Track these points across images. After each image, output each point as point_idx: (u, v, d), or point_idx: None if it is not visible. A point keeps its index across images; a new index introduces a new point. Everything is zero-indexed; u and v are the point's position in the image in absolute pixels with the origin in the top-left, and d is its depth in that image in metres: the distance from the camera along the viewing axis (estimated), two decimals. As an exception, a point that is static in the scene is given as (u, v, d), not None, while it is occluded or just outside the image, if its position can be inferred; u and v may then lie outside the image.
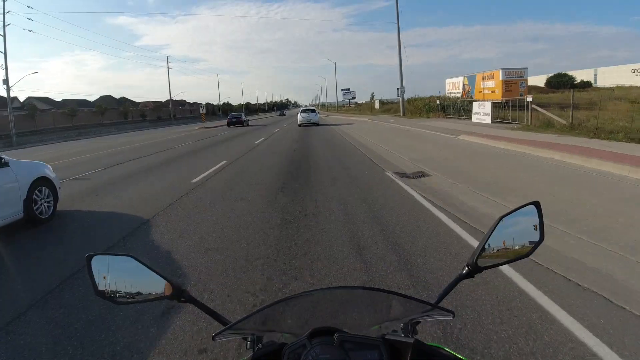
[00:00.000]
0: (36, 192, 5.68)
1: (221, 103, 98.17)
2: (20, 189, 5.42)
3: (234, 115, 37.14)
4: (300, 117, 29.75)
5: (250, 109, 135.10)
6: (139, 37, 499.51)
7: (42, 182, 5.86)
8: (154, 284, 0.92)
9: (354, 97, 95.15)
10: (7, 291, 3.51)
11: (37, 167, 5.99)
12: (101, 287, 0.90)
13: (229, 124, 35.60)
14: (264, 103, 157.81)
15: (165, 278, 0.93)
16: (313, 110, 31.32)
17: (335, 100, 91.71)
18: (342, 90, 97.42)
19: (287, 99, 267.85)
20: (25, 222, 5.51)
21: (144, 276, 0.92)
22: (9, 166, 5.36)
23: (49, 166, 6.30)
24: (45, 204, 5.85)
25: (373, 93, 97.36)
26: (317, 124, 29.28)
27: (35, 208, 5.61)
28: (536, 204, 1.02)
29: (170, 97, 65.14)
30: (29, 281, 3.70)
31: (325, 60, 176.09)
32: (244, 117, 37.02)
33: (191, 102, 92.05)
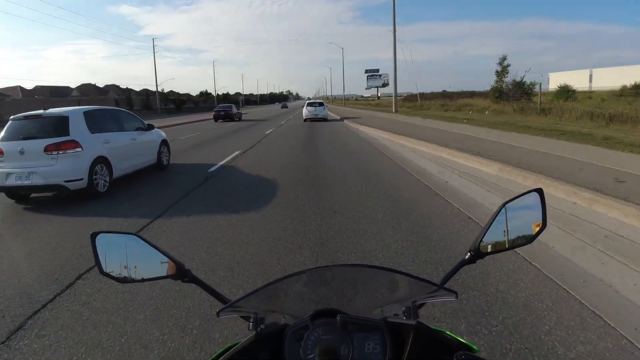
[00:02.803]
0: (162, 147, 9.36)
1: (219, 94, 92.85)
2: (155, 146, 9.10)
3: (221, 108, 33.02)
4: (305, 111, 27.31)
5: (250, 100, 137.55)
6: (141, 27, 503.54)
7: (164, 143, 9.54)
8: (158, 264, 0.95)
9: (385, 84, 78.18)
10: (161, 195, 6.94)
11: (161, 133, 9.65)
12: (105, 266, 0.94)
13: (215, 118, 31.68)
14: (265, 94, 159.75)
15: (169, 257, 0.96)
16: (321, 104, 28.44)
17: (342, 93, 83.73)
18: (367, 72, 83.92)
19: (289, 91, 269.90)
20: (155, 167, 9.15)
21: (148, 255, 0.95)
22: (152, 130, 9.03)
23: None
24: (166, 157, 9.53)
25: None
26: (325, 119, 26.85)
27: (160, 160, 9.28)
28: (539, 191, 1.04)
29: (157, 87, 61.30)
30: (169, 192, 7.15)
31: (330, 52, 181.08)
32: (234, 110, 33.07)
33: (189, 94, 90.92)
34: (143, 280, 0.95)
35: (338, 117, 29.15)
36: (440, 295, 0.87)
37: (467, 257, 1.02)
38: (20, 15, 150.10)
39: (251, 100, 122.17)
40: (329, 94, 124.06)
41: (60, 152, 6.40)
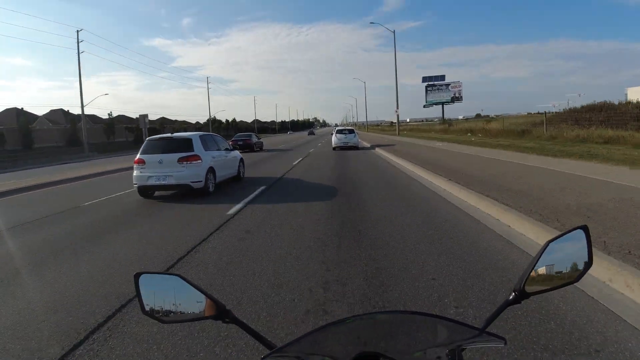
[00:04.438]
0: (240, 164, 12.23)
1: (236, 120, 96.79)
2: (236, 162, 11.98)
3: (239, 137, 30.08)
4: (335, 139, 25.73)
5: (272, 128, 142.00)
6: (173, 59, 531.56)
7: (241, 160, 12.43)
8: (200, 304, 0.98)
9: (456, 98, 59.98)
10: (233, 195, 9.47)
11: (238, 153, 12.54)
12: (148, 306, 0.98)
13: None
14: (289, 121, 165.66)
15: (210, 298, 0.98)
16: (351, 131, 26.87)
17: (365, 120, 78.33)
18: (426, 82, 60.88)
19: (315, 118, 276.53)
20: (233, 179, 11.94)
21: (190, 295, 0.98)
22: (234, 151, 11.93)
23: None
24: (242, 171, 12.40)
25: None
26: (356, 147, 25.44)
27: (239, 172, 12.13)
28: (584, 228, 1.03)
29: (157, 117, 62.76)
30: (237, 196, 9.55)
31: (355, 80, 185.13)
32: (254, 140, 30.40)
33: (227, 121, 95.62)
34: (184, 320, 0.99)
35: (368, 145, 28.11)
36: (485, 341, 0.87)
37: (511, 297, 1.01)
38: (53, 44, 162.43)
39: (269, 128, 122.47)
40: (355, 120, 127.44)
41: (188, 163, 9.28)
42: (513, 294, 1.00)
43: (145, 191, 9.69)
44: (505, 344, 0.83)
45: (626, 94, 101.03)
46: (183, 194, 9.74)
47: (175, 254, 5.13)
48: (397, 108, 42.80)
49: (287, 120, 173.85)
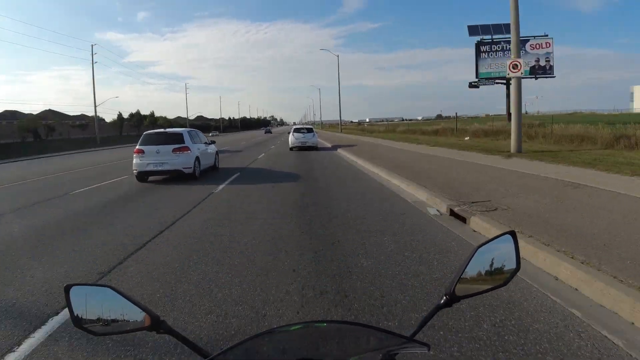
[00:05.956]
0: (216, 156, 14.93)
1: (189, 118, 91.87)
2: (214, 154, 14.70)
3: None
4: (292, 139, 24.70)
5: (231, 125, 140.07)
6: (127, 54, 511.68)
7: (217, 153, 15.21)
8: (133, 315, 0.98)
9: (544, 68, 32.99)
10: (213, 180, 12.50)
11: (215, 147, 15.21)
12: (80, 318, 0.97)
13: None
14: (238, 119, 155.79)
15: (143, 309, 0.98)
16: (310, 130, 26.08)
17: (339, 118, 67.63)
18: (476, 35, 34.32)
19: (272, 116, 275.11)
20: (212, 168, 14.65)
21: (123, 307, 0.97)
22: (212, 144, 14.63)
23: (214, 147, 15.45)
24: (218, 162, 15.12)
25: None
26: (315, 148, 24.40)
27: (215, 163, 14.83)
28: (512, 234, 1.10)
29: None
30: (216, 180, 12.79)
31: (314, 79, 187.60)
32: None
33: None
34: (117, 332, 0.98)
35: (329, 145, 27.64)
36: (411, 347, 0.90)
37: (442, 301, 1.05)
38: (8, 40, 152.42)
39: (211, 126, 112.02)
40: (312, 119, 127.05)
41: (180, 152, 11.96)
42: (444, 297, 1.05)
43: (142, 176, 12.20)
44: (429, 350, 0.88)
45: (632, 93, 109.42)
46: (174, 178, 12.34)
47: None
48: (340, 114, 46.56)
49: (247, 117, 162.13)
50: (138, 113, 72.31)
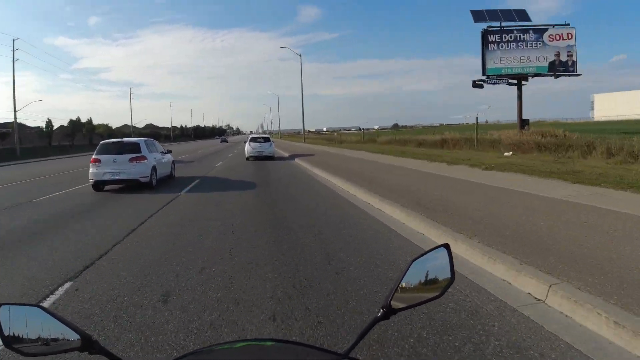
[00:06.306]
0: (172, 165, 15.32)
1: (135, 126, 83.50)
2: (169, 163, 15.09)
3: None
4: (249, 148, 24.81)
5: (183, 133, 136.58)
6: (77, 59, 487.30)
7: (173, 162, 15.58)
8: (65, 335, 0.97)
9: (565, 64, 26.31)
10: (169, 189, 13.01)
11: (171, 156, 15.58)
12: (10, 338, 0.95)
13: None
14: (191, 127, 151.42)
15: (74, 329, 0.97)
16: (267, 139, 26.11)
17: (279, 128, 70.03)
18: (482, 21, 26.79)
19: (228, 125, 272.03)
20: (168, 177, 15.02)
21: (55, 327, 0.96)
22: (168, 153, 15.01)
23: (171, 157, 15.81)
24: (174, 171, 15.51)
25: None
26: (271, 158, 24.69)
27: (172, 172, 15.21)
28: (446, 246, 1.13)
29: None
30: (173, 189, 13.35)
31: (272, 88, 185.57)
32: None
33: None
34: (48, 353, 0.96)
35: (287, 155, 28.00)
36: None
37: (379, 314, 1.07)
38: None
39: (162, 135, 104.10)
40: (269, 128, 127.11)
41: (137, 162, 12.33)
42: (381, 310, 1.06)
43: (98, 185, 12.43)
44: None
45: (592, 102, 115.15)
46: (131, 187, 12.65)
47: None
48: (303, 121, 46.65)
49: (190, 126, 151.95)
50: (71, 121, 65.53)
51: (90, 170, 12.33)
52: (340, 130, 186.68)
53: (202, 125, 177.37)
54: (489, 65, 27.96)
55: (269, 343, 1.03)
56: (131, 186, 12.62)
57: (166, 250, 5.80)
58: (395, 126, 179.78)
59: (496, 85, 29.00)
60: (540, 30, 27.07)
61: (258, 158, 24.27)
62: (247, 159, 24.58)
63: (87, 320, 3.57)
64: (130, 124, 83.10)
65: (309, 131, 54.89)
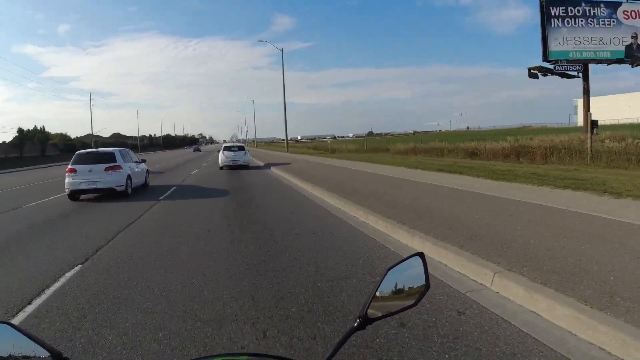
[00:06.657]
0: (146, 174, 15.69)
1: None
2: (144, 173, 15.45)
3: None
4: (222, 157, 24.05)
5: (152, 143, 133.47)
6: (46, 68, 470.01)
7: (147, 171, 15.93)
8: (35, 352, 0.94)
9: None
10: (146, 198, 13.38)
11: (145, 165, 15.91)
12: None
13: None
14: (161, 136, 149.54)
15: (44, 347, 0.94)
16: (241, 148, 25.22)
17: (255, 136, 75.35)
18: None
19: (201, 134, 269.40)
20: (142, 186, 15.34)
21: (24, 344, 0.93)
22: (143, 163, 15.39)
23: (145, 166, 16.13)
24: (149, 180, 15.86)
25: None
26: (246, 167, 24.08)
27: (146, 181, 15.57)
28: (421, 255, 1.13)
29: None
30: (149, 198, 13.77)
31: (246, 97, 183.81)
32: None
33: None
34: None
35: (261, 164, 27.13)
36: None
37: (356, 324, 1.06)
38: None
39: (128, 144, 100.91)
40: (244, 137, 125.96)
41: (112, 171, 12.71)
42: (357, 320, 1.06)
43: (74, 195, 12.69)
44: None
45: (575, 106, 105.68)
46: (107, 196, 12.96)
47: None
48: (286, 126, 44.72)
49: (159, 135, 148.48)
50: (20, 129, 61.29)
51: (67, 180, 12.57)
52: (315, 138, 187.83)
53: (172, 134, 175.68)
54: (552, 47, 21.07)
55: (244, 358, 1.04)
56: (107, 195, 12.93)
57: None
58: (370, 134, 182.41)
59: (546, 77, 22.36)
60: (612, 4, 21.13)
61: (232, 167, 23.70)
62: (221, 168, 23.95)
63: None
64: (101, 134, 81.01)
65: (283, 139, 52.14)
